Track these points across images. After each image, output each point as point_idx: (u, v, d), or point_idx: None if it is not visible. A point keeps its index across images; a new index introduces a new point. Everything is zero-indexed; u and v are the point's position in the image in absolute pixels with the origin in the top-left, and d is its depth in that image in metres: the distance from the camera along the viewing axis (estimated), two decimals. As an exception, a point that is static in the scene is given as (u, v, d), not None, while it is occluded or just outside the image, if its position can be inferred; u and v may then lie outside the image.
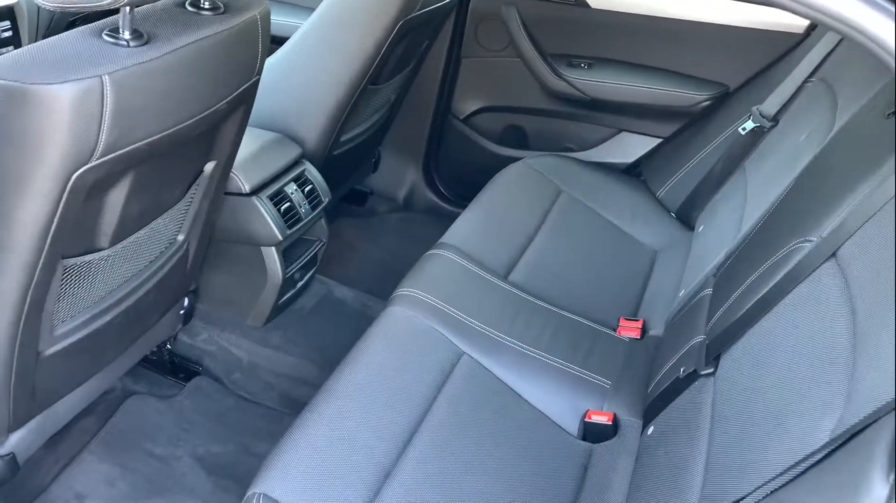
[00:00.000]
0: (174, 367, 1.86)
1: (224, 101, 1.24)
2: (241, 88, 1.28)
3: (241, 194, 1.69)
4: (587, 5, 2.24)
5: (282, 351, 1.86)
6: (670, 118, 2.29)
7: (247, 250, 1.76)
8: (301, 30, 1.82)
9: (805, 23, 2.02)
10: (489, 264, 1.74)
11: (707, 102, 2.21)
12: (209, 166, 1.44)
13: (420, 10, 1.79)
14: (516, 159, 2.22)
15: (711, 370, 1.27)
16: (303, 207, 1.79)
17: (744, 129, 1.98)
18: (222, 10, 1.18)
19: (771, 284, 1.20)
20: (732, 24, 2.14)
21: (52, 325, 1.26)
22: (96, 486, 1.55)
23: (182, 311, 1.73)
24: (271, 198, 1.73)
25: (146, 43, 1.05)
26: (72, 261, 1.20)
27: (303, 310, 1.97)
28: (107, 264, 1.30)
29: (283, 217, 1.74)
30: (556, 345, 1.55)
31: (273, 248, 1.75)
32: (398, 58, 1.95)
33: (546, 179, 2.12)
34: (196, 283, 1.72)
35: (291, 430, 1.21)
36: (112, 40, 1.03)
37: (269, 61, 1.86)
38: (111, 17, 1.07)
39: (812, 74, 1.88)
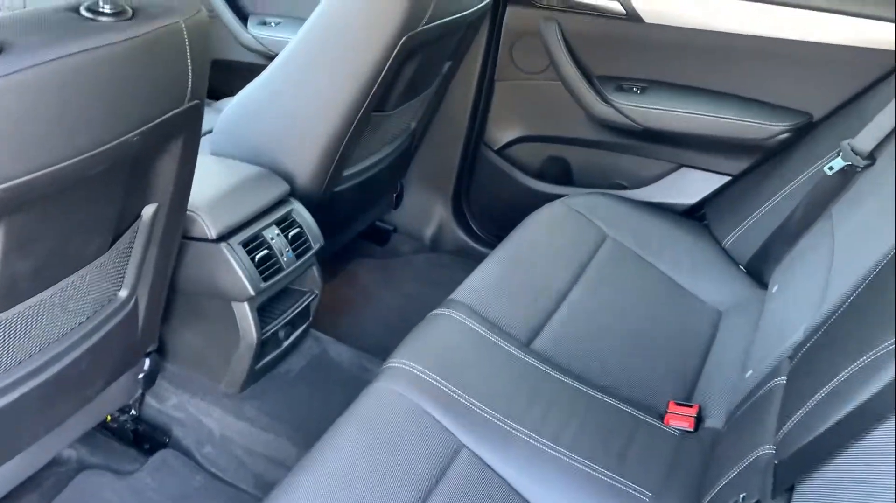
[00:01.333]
0: (138, 437, 1.60)
1: (135, 133, 0.96)
2: (165, 117, 1.00)
3: (206, 240, 1.42)
4: (640, 20, 1.90)
5: (258, 425, 1.57)
6: (741, 153, 1.92)
7: (217, 304, 1.49)
8: (289, 46, 1.54)
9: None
10: (508, 328, 1.42)
11: (785, 135, 1.83)
12: (148, 210, 1.18)
13: (428, 23, 1.50)
14: (558, 196, 1.91)
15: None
16: (285, 255, 1.51)
17: (830, 168, 1.60)
18: (130, 15, 0.91)
19: (866, 396, 0.85)
20: (817, 40, 1.77)
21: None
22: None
23: (142, 375, 1.48)
24: (245, 244, 1.45)
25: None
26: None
27: (289, 373, 1.69)
28: (5, 331, 1.05)
29: (259, 267, 1.46)
30: (584, 440, 1.22)
31: (245, 304, 1.47)
32: (409, 80, 1.65)
33: (588, 222, 1.79)
34: (156, 344, 1.45)
35: None
36: None
37: (253, 83, 1.60)
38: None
39: (920, 102, 1.49)
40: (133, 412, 1.61)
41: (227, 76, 2.14)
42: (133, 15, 0.92)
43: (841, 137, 1.61)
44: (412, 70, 1.63)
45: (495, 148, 2.19)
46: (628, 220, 1.85)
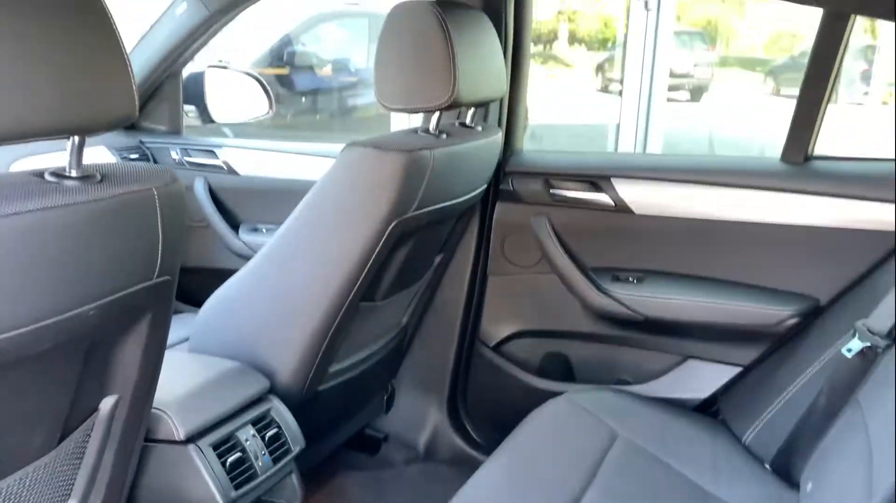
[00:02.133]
0: None
1: (92, 306, 0.86)
2: (129, 291, 0.91)
3: (173, 442, 1.27)
4: (630, 211, 1.89)
5: None
6: (749, 341, 1.82)
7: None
8: (274, 236, 1.50)
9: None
10: None
11: (794, 320, 1.75)
12: (107, 403, 1.05)
13: (417, 209, 1.46)
14: (560, 393, 1.77)
15: None
16: (260, 460, 1.35)
17: (849, 349, 1.49)
18: (98, 179, 0.86)
19: None
20: (816, 224, 1.75)
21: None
22: None
23: None
24: (216, 446, 1.30)
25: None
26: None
27: None
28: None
29: (230, 472, 1.29)
30: None
31: (213, 517, 1.28)
32: (399, 268, 1.60)
33: (597, 419, 1.65)
34: None
35: None
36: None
37: (235, 275, 1.53)
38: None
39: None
40: None
41: (218, 283, 2.10)
42: (101, 180, 0.86)
43: (853, 318, 1.53)
44: (402, 258, 1.58)
45: (491, 344, 2.09)
46: (638, 417, 1.71)
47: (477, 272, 2.04)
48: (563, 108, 9.22)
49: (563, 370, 2.06)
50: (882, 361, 1.44)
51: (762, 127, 7.29)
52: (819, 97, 1.73)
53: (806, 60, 1.76)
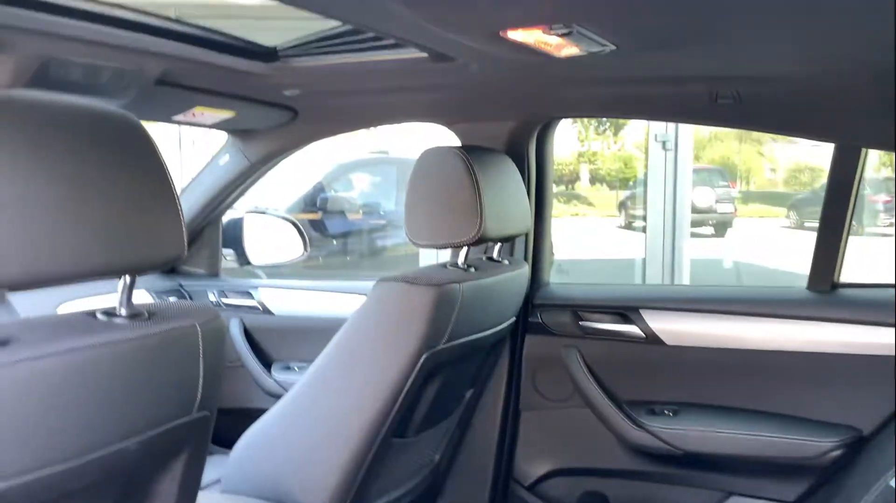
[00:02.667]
0: None
1: (134, 441, 0.88)
2: (169, 426, 0.93)
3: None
4: (662, 342, 1.89)
5: None
6: (793, 475, 1.76)
7: None
8: (306, 373, 1.52)
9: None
10: None
11: (837, 452, 1.69)
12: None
13: (448, 342, 1.48)
14: (599, 536, 1.71)
15: None
16: None
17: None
18: (146, 317, 0.90)
19: None
20: (848, 353, 1.73)
21: None
22: None
23: None
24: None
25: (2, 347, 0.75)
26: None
27: None
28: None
29: None
30: None
31: None
32: (430, 402, 1.60)
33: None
34: None
35: None
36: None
37: (269, 412, 1.54)
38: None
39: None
40: None
41: (248, 424, 2.10)
42: (149, 317, 0.90)
43: (899, 449, 1.49)
44: (434, 392, 1.58)
45: (526, 484, 2.03)
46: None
47: (509, 407, 2.03)
48: (588, 245, 9.35)
49: (601, 509, 1.99)
50: (935, 494, 1.39)
51: (788, 258, 7.31)
52: (839, 226, 1.77)
53: (820, 194, 1.80)
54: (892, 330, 1.68)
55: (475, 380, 1.85)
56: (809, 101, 1.56)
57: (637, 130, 11.20)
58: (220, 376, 1.01)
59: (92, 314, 0.88)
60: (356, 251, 7.66)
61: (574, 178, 12.05)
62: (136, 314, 0.90)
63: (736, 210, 11.21)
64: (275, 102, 1.94)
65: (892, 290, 1.77)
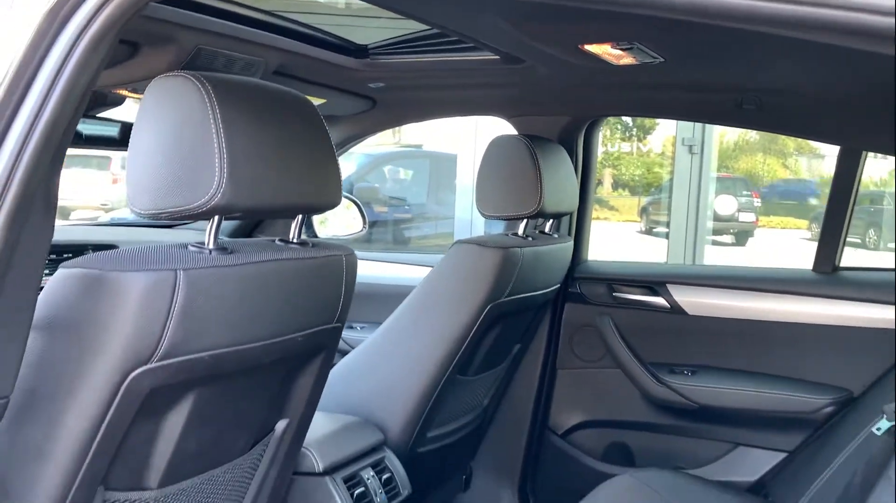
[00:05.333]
0: None
1: (300, 334, 1.21)
2: (319, 328, 1.26)
3: (313, 474, 1.56)
4: (685, 313, 2.20)
5: None
6: (792, 428, 2.06)
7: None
8: (391, 316, 1.85)
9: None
10: None
11: (830, 408, 1.99)
12: (281, 425, 1.36)
13: (509, 295, 1.80)
14: (622, 479, 2.01)
15: None
16: (378, 496, 1.63)
17: (878, 429, 1.73)
18: (310, 246, 1.22)
19: None
20: (845, 325, 2.03)
21: None
22: None
23: None
24: (346, 480, 1.59)
25: (227, 253, 1.08)
26: (114, 495, 1.09)
27: None
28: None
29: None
30: None
31: (340, 541, 1.56)
32: (488, 349, 1.91)
33: (658, 496, 1.87)
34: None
35: None
36: (196, 250, 1.06)
37: (356, 350, 1.87)
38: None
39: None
40: None
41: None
42: (312, 247, 1.23)
43: (883, 405, 1.78)
44: (491, 340, 1.90)
45: (559, 432, 2.35)
46: (695, 496, 1.93)
47: (547, 365, 2.34)
48: (610, 249, 9.60)
49: (624, 458, 2.29)
50: (909, 438, 1.68)
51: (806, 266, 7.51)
52: (841, 217, 2.07)
53: None
54: (883, 306, 1.97)
55: (523, 337, 2.16)
56: (818, 109, 1.85)
57: (661, 136, 11.41)
58: (351, 298, 1.33)
59: (272, 240, 1.21)
60: (381, 240, 7.95)
61: (597, 183, 12.21)
62: (304, 243, 1.22)
63: (758, 219, 11.38)
64: (359, 93, 2.26)
65: (886, 274, 2.06)
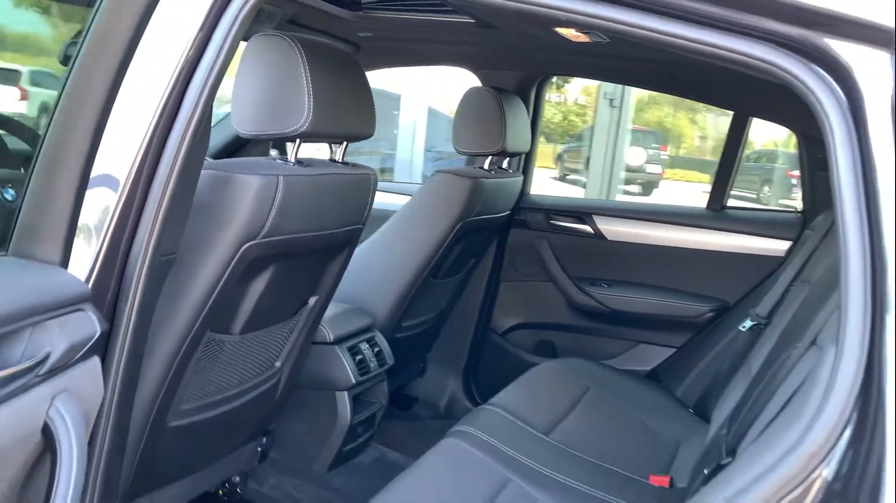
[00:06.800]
0: (242, 510, 2.03)
1: (342, 229, 1.66)
2: (352, 227, 1.71)
3: (325, 343, 2.03)
4: (605, 238, 2.75)
5: (343, 494, 2.04)
6: (681, 330, 2.66)
7: (320, 396, 2.05)
8: (382, 228, 2.31)
9: (786, 246, 2.50)
10: (532, 424, 1.99)
11: (710, 314, 2.60)
12: (312, 300, 1.81)
13: (477, 215, 2.29)
14: (549, 367, 2.55)
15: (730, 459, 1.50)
16: (372, 362, 2.11)
17: (744, 327, 2.33)
18: (351, 166, 1.67)
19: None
20: (727, 249, 2.62)
21: (182, 398, 1.53)
22: None
23: (259, 448, 1.97)
24: (349, 349, 2.06)
25: (305, 167, 1.51)
26: (214, 335, 1.53)
27: (360, 464, 2.18)
28: (232, 352, 1.61)
29: (357, 366, 2.05)
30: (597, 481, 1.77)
31: (346, 393, 2.04)
32: (454, 259, 2.40)
33: (577, 375, 2.42)
34: (274, 423, 1.97)
35: None
36: (282, 162, 1.49)
37: (358, 249, 2.32)
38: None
39: (795, 279, 2.29)
40: (238, 490, 2.05)
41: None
42: (352, 166, 1.67)
43: (750, 307, 2.38)
44: (458, 251, 2.39)
45: (499, 332, 2.89)
46: (605, 378, 2.50)
47: (493, 278, 2.85)
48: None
49: (551, 352, 2.85)
50: (763, 334, 2.28)
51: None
52: (730, 167, 2.65)
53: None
54: (756, 237, 2.57)
55: (477, 254, 2.66)
56: (717, 81, 2.39)
57: (578, 86, 11.84)
58: (372, 206, 1.78)
59: (323, 161, 1.64)
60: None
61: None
62: (346, 163, 1.66)
63: (663, 172, 12.09)
64: (348, 39, 2.64)
65: (760, 213, 2.66)
